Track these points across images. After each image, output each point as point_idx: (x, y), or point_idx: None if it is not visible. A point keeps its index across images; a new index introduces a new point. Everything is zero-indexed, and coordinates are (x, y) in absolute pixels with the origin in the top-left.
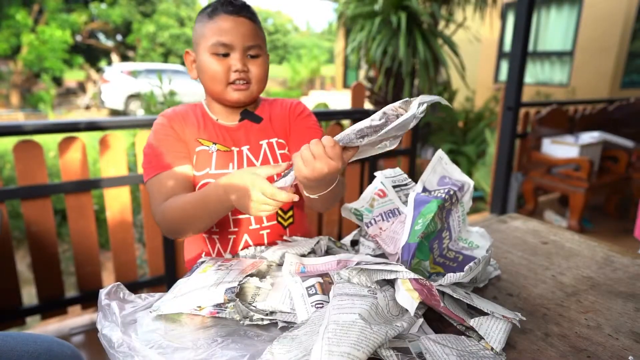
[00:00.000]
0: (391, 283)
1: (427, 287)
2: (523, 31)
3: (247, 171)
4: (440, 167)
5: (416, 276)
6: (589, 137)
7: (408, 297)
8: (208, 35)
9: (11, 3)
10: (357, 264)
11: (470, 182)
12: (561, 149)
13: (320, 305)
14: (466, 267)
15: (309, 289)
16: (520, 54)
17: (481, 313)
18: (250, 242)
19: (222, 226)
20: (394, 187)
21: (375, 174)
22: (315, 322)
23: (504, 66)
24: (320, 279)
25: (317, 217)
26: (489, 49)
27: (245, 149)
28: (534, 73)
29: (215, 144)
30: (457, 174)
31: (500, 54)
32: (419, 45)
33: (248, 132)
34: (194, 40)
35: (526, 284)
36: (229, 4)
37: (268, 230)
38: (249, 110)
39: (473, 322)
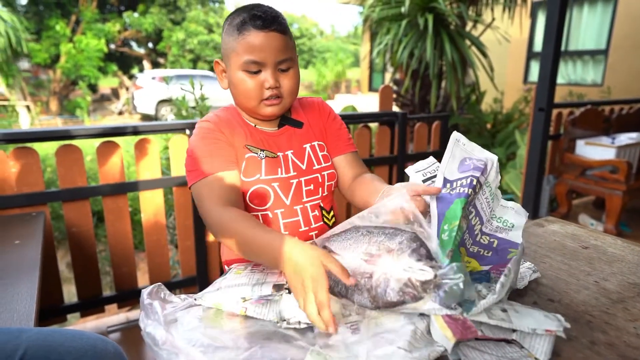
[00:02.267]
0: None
1: (462, 320)
2: (555, 30)
3: (319, 257)
4: (459, 150)
5: (449, 312)
6: (627, 137)
7: (443, 336)
8: (239, 51)
9: (51, 15)
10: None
11: (493, 158)
12: (596, 150)
13: (355, 326)
14: (498, 286)
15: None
16: (552, 53)
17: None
18: None
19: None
20: (425, 180)
21: (406, 170)
22: (350, 348)
23: (534, 66)
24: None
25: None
26: (518, 49)
27: (289, 153)
28: (565, 73)
29: (263, 150)
30: (478, 152)
31: (530, 54)
32: (446, 47)
33: (291, 137)
34: (223, 51)
35: (568, 290)
36: (258, 18)
37: (316, 232)
38: (288, 117)
39: (516, 336)
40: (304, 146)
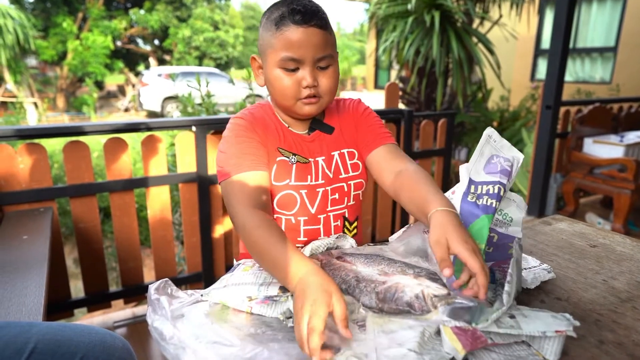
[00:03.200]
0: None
1: (471, 331)
2: (563, 27)
3: (332, 288)
4: (489, 147)
5: (458, 323)
6: (636, 136)
7: (452, 349)
8: (276, 47)
9: (58, 12)
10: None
11: (519, 157)
12: (604, 148)
13: (362, 324)
14: (504, 296)
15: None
16: (560, 50)
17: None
18: None
19: (292, 234)
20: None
21: (460, 167)
22: (356, 350)
23: (541, 64)
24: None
25: None
26: (526, 47)
27: (320, 159)
28: (573, 70)
29: (295, 155)
30: (507, 149)
31: (538, 52)
32: (452, 44)
33: (322, 143)
34: (260, 47)
35: (575, 288)
36: (297, 12)
37: None
38: (319, 120)
39: (526, 338)
40: (332, 153)
